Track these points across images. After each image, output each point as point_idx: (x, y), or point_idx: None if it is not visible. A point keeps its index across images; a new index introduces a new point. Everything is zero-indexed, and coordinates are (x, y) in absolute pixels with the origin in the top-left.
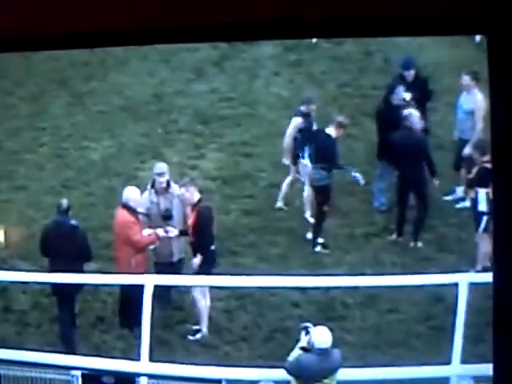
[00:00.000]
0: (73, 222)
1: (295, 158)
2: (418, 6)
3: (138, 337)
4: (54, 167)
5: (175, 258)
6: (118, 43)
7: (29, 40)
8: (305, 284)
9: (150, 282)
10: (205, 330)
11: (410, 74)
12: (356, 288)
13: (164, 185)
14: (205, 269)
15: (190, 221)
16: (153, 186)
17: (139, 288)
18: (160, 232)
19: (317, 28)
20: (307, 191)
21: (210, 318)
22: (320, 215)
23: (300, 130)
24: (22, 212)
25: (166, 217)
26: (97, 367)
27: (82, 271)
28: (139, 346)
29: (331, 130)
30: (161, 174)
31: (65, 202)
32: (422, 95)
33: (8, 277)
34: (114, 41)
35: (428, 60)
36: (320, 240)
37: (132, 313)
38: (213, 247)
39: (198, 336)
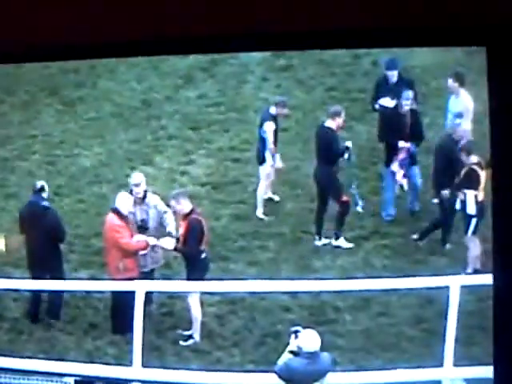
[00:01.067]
0: (45, 203)
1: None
2: (419, 17)
3: (130, 343)
4: (46, 174)
5: (146, 269)
6: (113, 55)
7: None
8: (295, 288)
9: (141, 288)
10: (197, 336)
11: (394, 75)
12: (347, 292)
13: (140, 195)
14: (196, 277)
15: (181, 230)
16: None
17: (130, 294)
18: (151, 240)
19: (314, 39)
20: (261, 187)
21: (202, 324)
22: (342, 208)
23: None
24: (13, 220)
25: (142, 227)
26: (89, 374)
27: (57, 252)
28: (131, 351)
29: (330, 123)
30: (137, 185)
31: (39, 183)
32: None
33: (1, 285)
34: (111, 52)
35: (416, 63)
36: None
37: (124, 318)
38: (203, 255)
39: (190, 342)
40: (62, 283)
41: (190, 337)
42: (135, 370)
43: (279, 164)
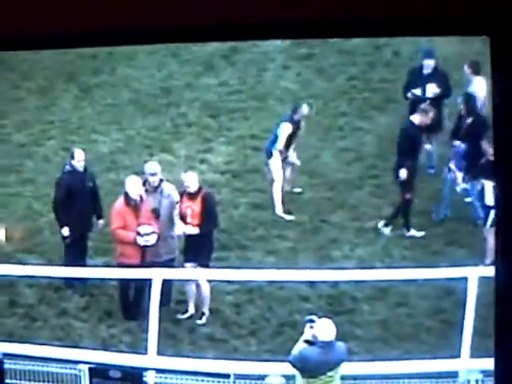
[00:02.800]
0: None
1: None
2: (423, 7)
3: (146, 331)
4: (62, 160)
5: (162, 259)
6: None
7: (32, 39)
8: (314, 278)
9: (157, 276)
10: (206, 311)
11: (430, 65)
12: (365, 282)
13: (155, 184)
14: (208, 255)
15: (194, 210)
16: (144, 185)
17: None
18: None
19: (322, 28)
20: (277, 185)
21: (219, 312)
22: (403, 205)
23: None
24: (29, 205)
25: (154, 216)
26: (104, 361)
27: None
28: (146, 339)
29: (415, 118)
30: (153, 174)
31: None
32: (441, 90)
33: (14, 271)
34: (119, 40)
35: (437, 54)
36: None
37: (135, 304)
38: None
39: (204, 320)
40: (77, 270)
41: (203, 314)
42: (150, 358)
43: (294, 159)
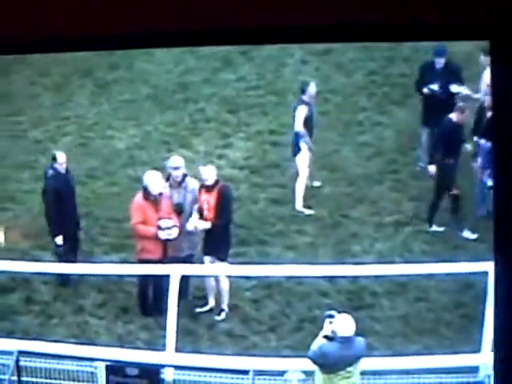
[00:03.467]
0: None
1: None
2: (422, 12)
3: (164, 327)
4: (78, 157)
5: (184, 254)
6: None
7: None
8: (333, 273)
9: (176, 272)
10: (226, 308)
11: (441, 62)
12: (385, 277)
13: (179, 179)
14: (226, 249)
15: (210, 203)
16: (167, 180)
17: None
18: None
19: (321, 33)
20: (302, 181)
21: (238, 308)
22: (452, 201)
23: (305, 120)
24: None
25: (177, 211)
26: (120, 359)
27: None
28: (164, 336)
29: (454, 116)
30: (176, 168)
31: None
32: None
33: (30, 268)
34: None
35: (456, 49)
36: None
37: (153, 300)
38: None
39: (223, 316)
40: (93, 267)
41: (222, 310)
42: (168, 355)
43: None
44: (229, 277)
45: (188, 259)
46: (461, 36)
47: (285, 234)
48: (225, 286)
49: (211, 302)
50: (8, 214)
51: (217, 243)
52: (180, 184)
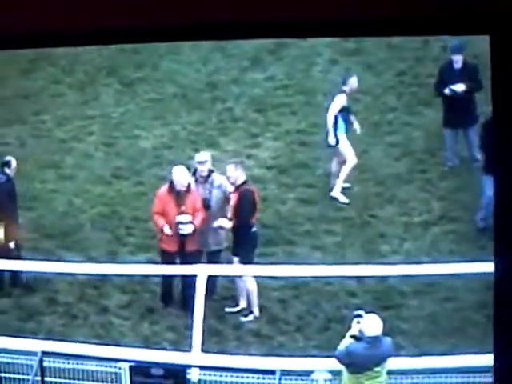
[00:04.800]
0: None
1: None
2: (422, 6)
3: (190, 328)
4: (103, 156)
5: (208, 249)
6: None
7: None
8: (361, 273)
9: (202, 272)
10: (256, 311)
11: (459, 60)
12: (413, 276)
13: (204, 173)
14: (245, 252)
15: (232, 202)
16: (194, 175)
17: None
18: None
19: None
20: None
21: (265, 308)
22: None
23: (341, 109)
24: (69, 202)
25: (204, 207)
26: (145, 359)
27: None
28: (191, 336)
29: None
30: (202, 163)
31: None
32: (472, 84)
33: (54, 268)
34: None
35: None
36: None
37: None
38: (253, 229)
39: (251, 317)
40: (119, 267)
41: (251, 312)
42: (194, 356)
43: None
44: (256, 277)
45: (214, 255)
46: (461, 30)
47: (313, 234)
48: (251, 287)
49: (242, 304)
50: (32, 214)
51: (238, 244)
52: (206, 179)
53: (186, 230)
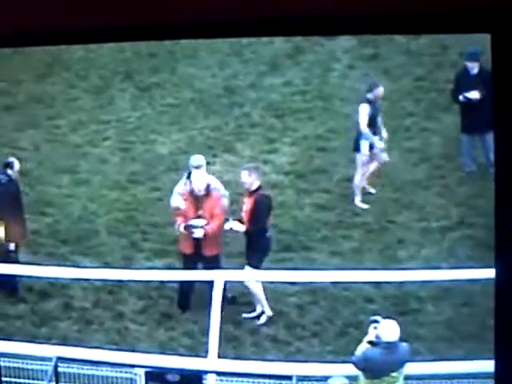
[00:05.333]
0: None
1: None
2: (422, 4)
3: (206, 333)
4: (119, 161)
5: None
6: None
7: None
8: (379, 278)
9: (219, 277)
10: (268, 311)
11: (474, 67)
12: (430, 282)
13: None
14: (258, 257)
15: (247, 207)
16: (188, 178)
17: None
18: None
19: (315, 25)
20: (358, 176)
21: (282, 314)
22: None
23: (369, 118)
24: (84, 207)
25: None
26: (161, 365)
27: None
28: (207, 342)
29: None
30: (198, 167)
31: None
32: (488, 91)
33: (69, 274)
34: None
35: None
36: None
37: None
38: (268, 234)
39: (264, 319)
40: (135, 273)
41: (262, 313)
42: (210, 361)
43: (383, 157)
44: (273, 283)
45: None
46: (462, 29)
47: (330, 240)
48: (256, 289)
49: (259, 309)
50: (47, 219)
51: (251, 249)
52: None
53: (197, 234)
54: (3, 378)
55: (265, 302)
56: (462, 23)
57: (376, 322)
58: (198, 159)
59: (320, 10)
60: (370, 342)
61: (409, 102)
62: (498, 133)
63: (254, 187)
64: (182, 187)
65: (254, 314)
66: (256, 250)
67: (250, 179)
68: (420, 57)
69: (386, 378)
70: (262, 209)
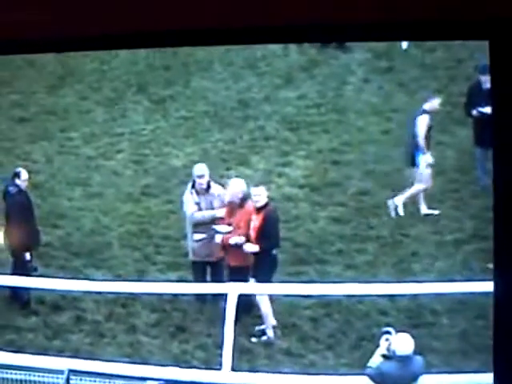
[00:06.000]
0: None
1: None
2: (421, 11)
3: (220, 346)
4: (132, 174)
5: (213, 258)
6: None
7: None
8: (393, 291)
9: (233, 290)
10: (270, 331)
11: (487, 80)
12: (445, 294)
13: (204, 186)
14: (266, 273)
15: (255, 224)
16: (193, 187)
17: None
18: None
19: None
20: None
21: (296, 327)
22: None
23: (428, 129)
24: (97, 219)
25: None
26: (174, 378)
27: None
28: (221, 355)
29: None
30: (200, 176)
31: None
32: None
33: (82, 287)
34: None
35: None
36: None
37: None
38: (275, 252)
39: (265, 338)
40: (148, 285)
41: (263, 333)
42: (224, 374)
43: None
44: (287, 296)
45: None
46: (460, 36)
47: (345, 253)
48: (266, 308)
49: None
50: (60, 232)
51: (258, 265)
52: (207, 191)
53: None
54: None
55: (270, 319)
56: (460, 30)
57: (388, 333)
58: (201, 169)
59: (319, 18)
60: (385, 356)
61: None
62: (497, 140)
63: (263, 202)
64: (189, 197)
65: (262, 327)
66: (263, 266)
67: (263, 195)
68: (434, 70)
69: None
70: (272, 225)
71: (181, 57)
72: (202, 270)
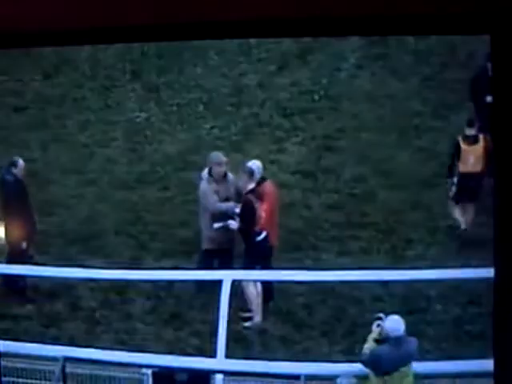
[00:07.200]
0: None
1: None
2: (422, 5)
3: (215, 333)
4: (127, 161)
5: (229, 245)
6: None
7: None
8: (386, 278)
9: (228, 277)
10: (257, 317)
11: None
12: (438, 281)
13: (222, 173)
14: (253, 259)
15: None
16: (210, 175)
17: None
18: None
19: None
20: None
21: (291, 314)
22: None
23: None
24: (92, 207)
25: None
26: (169, 365)
27: None
28: (215, 342)
29: None
30: (219, 164)
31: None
32: None
33: (77, 274)
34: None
35: None
36: None
37: None
38: (260, 237)
39: (249, 323)
40: (143, 273)
41: (250, 318)
42: (218, 361)
43: None
44: (282, 282)
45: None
46: (461, 30)
47: (338, 240)
48: (253, 295)
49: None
50: (54, 219)
51: (246, 251)
52: (224, 178)
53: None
54: (11, 379)
55: (258, 306)
56: (460, 24)
57: (379, 318)
58: (219, 156)
59: (319, 10)
60: (377, 340)
61: (416, 101)
62: (496, 133)
63: (248, 188)
64: (208, 186)
65: (249, 314)
66: (250, 252)
67: (248, 182)
68: (427, 56)
69: (395, 373)
70: (245, 213)
71: (175, 44)
72: (212, 258)
